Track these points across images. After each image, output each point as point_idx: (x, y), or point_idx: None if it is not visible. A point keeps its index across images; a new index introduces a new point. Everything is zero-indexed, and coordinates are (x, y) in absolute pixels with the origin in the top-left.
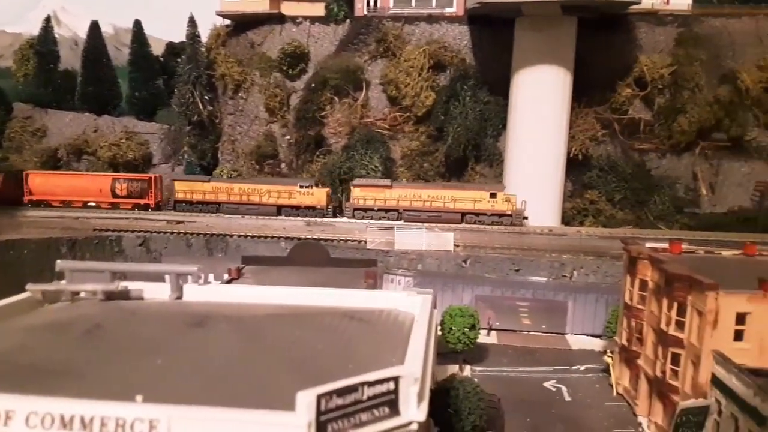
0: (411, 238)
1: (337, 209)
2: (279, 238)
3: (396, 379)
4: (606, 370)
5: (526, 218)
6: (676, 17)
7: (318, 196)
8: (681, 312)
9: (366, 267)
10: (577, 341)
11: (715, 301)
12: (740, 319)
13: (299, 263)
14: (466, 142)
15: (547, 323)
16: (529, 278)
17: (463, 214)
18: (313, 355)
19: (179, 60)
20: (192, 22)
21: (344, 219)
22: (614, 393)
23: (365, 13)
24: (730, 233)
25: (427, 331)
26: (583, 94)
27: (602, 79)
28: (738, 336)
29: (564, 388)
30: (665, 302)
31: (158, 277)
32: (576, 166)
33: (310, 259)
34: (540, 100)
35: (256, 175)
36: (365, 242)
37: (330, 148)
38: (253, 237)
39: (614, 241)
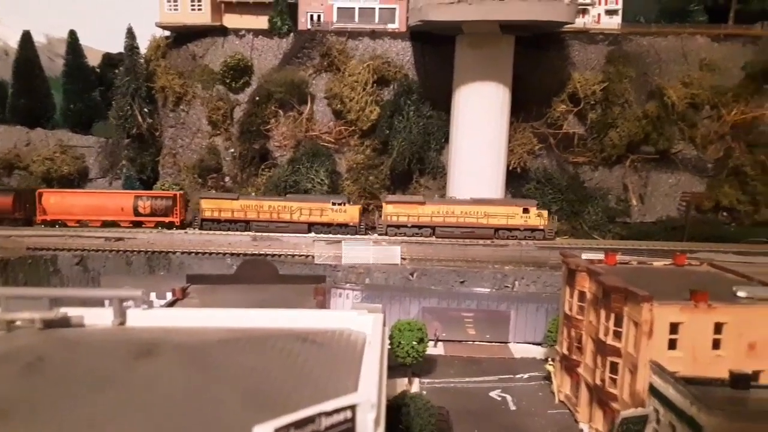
0: (359, 251)
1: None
2: (224, 254)
3: (353, 408)
4: (548, 378)
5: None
6: (607, 36)
7: (351, 213)
8: (618, 322)
9: (315, 283)
10: (520, 349)
11: (650, 312)
12: (673, 328)
13: (247, 281)
14: (410, 155)
15: (491, 333)
16: (474, 289)
17: (496, 229)
18: (268, 384)
19: (117, 71)
20: (130, 33)
21: (290, 234)
22: (556, 401)
23: (309, 27)
24: (658, 242)
25: (380, 352)
26: (521, 110)
27: (538, 96)
28: (672, 345)
29: (509, 397)
30: (603, 313)
31: (98, 302)
32: (515, 178)
33: (259, 276)
34: (480, 115)
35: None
36: (313, 257)
37: (275, 162)
38: (197, 253)
39: (553, 251)
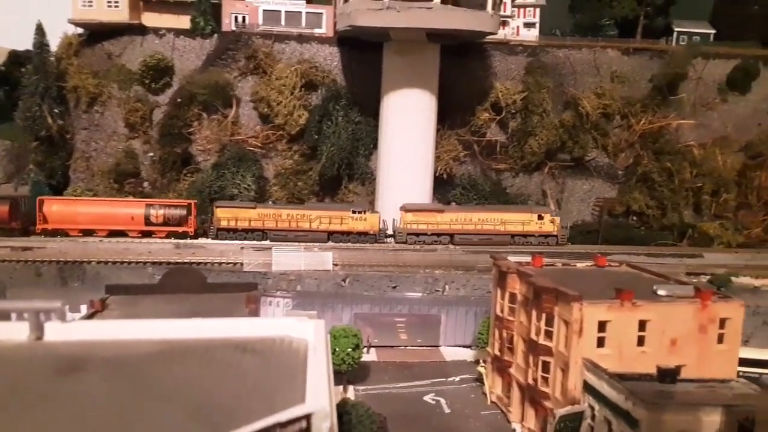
0: (289, 258)
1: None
2: (145, 263)
3: (308, 417)
4: (479, 380)
5: None
6: (526, 47)
7: (371, 221)
8: (549, 322)
9: (246, 291)
10: (451, 353)
11: (580, 311)
12: (601, 327)
13: (173, 290)
14: (339, 161)
15: (422, 337)
16: (406, 294)
17: (513, 235)
18: (211, 398)
19: (24, 70)
20: (40, 30)
21: (214, 240)
22: (488, 402)
23: (233, 28)
24: (575, 245)
25: (325, 358)
26: (447, 117)
27: (463, 104)
28: (600, 343)
29: (443, 401)
30: (534, 313)
31: (5, 315)
32: (441, 184)
33: (185, 285)
34: (408, 122)
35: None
36: (242, 264)
37: (198, 166)
38: (114, 263)
39: (480, 255)
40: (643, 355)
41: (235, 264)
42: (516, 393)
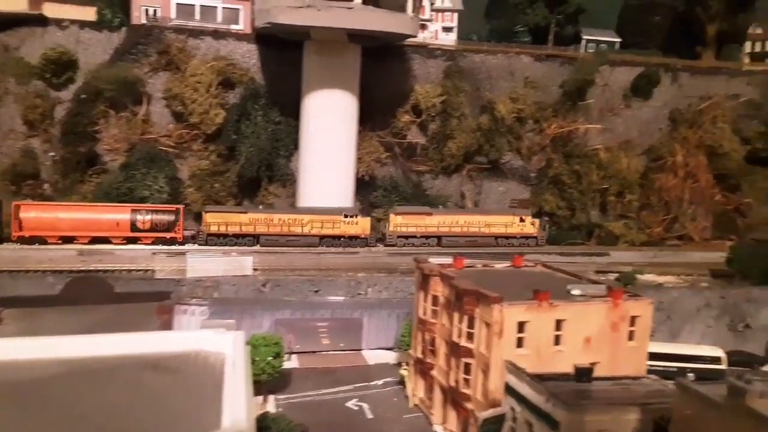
0: (205, 263)
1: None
2: (45, 272)
3: None
4: (402, 383)
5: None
6: (444, 51)
7: (362, 225)
8: (470, 324)
9: (158, 300)
10: (373, 356)
11: (500, 313)
12: (520, 327)
13: (76, 302)
14: (259, 162)
15: (345, 341)
16: (328, 298)
17: (496, 237)
18: (119, 423)
19: None
20: None
21: (127, 246)
22: (411, 404)
23: (144, 21)
24: (493, 247)
25: (244, 374)
26: (368, 119)
27: (384, 106)
28: (519, 343)
29: (365, 406)
30: (456, 315)
31: None
32: (363, 186)
33: (90, 296)
34: (329, 123)
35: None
36: (153, 271)
37: (105, 167)
38: (10, 272)
39: (403, 257)
40: (560, 354)
41: (146, 271)
42: (438, 395)
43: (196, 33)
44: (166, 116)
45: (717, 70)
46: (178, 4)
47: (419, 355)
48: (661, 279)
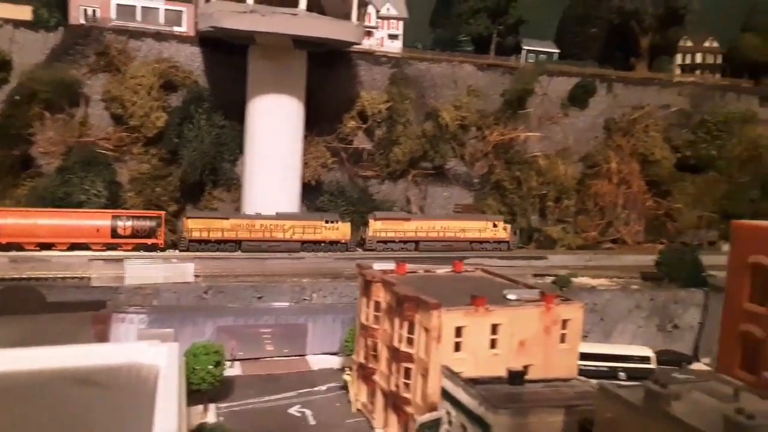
0: (145, 270)
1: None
2: None
3: None
4: (345, 388)
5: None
6: (390, 58)
7: (343, 230)
8: (411, 329)
9: (93, 310)
10: (318, 361)
11: (439, 319)
12: (458, 332)
13: (5, 312)
14: (202, 166)
15: (289, 347)
16: (272, 304)
17: (471, 242)
18: None
19: None
20: None
21: (61, 252)
22: (354, 409)
23: (83, 22)
24: (437, 252)
25: (177, 388)
26: (315, 124)
27: (331, 111)
28: (457, 347)
29: (308, 412)
30: (397, 321)
31: None
32: (310, 191)
33: (20, 306)
34: (275, 128)
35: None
36: (89, 279)
37: (40, 170)
38: None
39: (348, 262)
40: (495, 357)
41: (81, 278)
42: (380, 400)
43: (137, 34)
44: (105, 119)
45: (649, 80)
46: (118, 4)
47: (362, 360)
48: (594, 282)
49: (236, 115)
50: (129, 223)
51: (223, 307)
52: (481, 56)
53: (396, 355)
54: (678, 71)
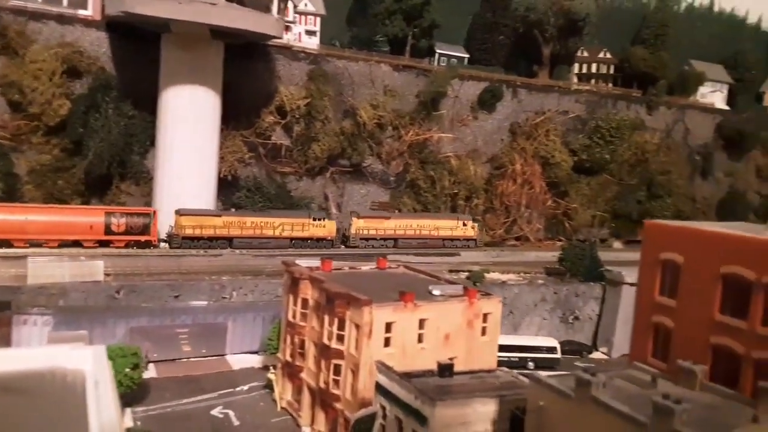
0: (49, 269)
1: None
2: None
3: None
4: (269, 386)
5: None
6: (308, 55)
7: (329, 227)
8: (341, 326)
9: None
10: (238, 360)
11: (370, 315)
12: (388, 327)
13: None
14: (110, 158)
15: (207, 347)
16: (190, 303)
17: (443, 239)
18: None
19: None
20: None
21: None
22: (279, 408)
23: None
24: (356, 249)
25: (111, 392)
26: (232, 118)
27: (248, 105)
28: (387, 343)
29: (231, 413)
30: (326, 318)
31: None
32: (226, 186)
33: None
34: (189, 120)
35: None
36: None
37: None
38: None
39: (269, 260)
40: (422, 351)
41: None
42: (307, 397)
43: (38, 16)
44: (2, 105)
45: (550, 88)
46: None
47: (288, 358)
48: (504, 277)
49: (147, 105)
50: (123, 220)
51: (136, 307)
52: (397, 57)
53: (325, 352)
54: (575, 80)
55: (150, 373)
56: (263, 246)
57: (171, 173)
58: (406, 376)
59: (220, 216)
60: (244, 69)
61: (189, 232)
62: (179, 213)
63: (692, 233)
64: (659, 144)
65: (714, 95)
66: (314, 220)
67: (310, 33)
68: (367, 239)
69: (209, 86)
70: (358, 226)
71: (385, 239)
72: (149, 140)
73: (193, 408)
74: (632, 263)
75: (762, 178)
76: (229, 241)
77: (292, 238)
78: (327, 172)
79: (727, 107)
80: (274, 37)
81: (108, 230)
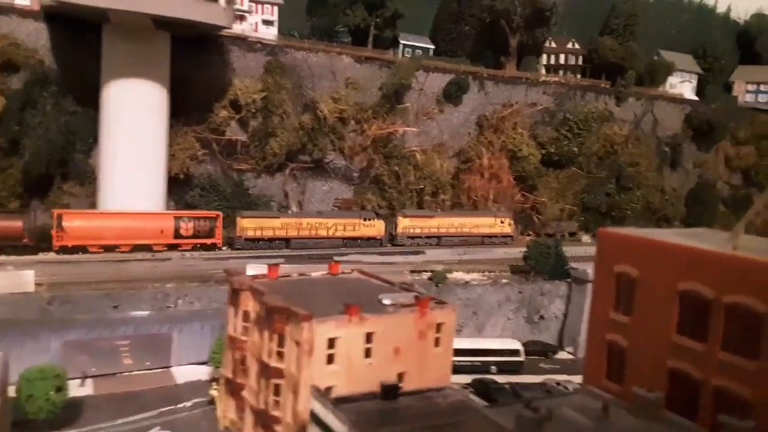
0: None
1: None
2: None
3: None
4: (213, 403)
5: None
6: (265, 46)
7: (378, 227)
8: (281, 342)
9: None
10: (185, 373)
11: (310, 331)
12: (331, 343)
13: None
14: (49, 157)
15: (151, 359)
16: (130, 314)
17: (483, 236)
18: None
19: None
20: None
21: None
22: (221, 427)
23: None
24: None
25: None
26: (182, 113)
27: (200, 99)
28: (330, 360)
29: None
30: (266, 334)
31: None
32: (178, 185)
33: None
34: (135, 115)
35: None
36: None
37: None
38: None
39: (219, 263)
40: (370, 367)
41: None
42: (249, 417)
43: None
44: None
45: (518, 79)
46: None
47: (230, 374)
48: (468, 277)
49: (90, 100)
50: (191, 224)
51: (71, 319)
52: (359, 48)
53: (265, 370)
54: (543, 71)
55: (87, 389)
56: (318, 246)
57: (116, 172)
58: (345, 401)
59: (278, 218)
60: (194, 61)
61: (251, 234)
62: (241, 216)
63: (647, 244)
64: (628, 135)
65: (683, 85)
66: (364, 220)
67: (267, 23)
68: (412, 237)
69: (155, 79)
70: (404, 225)
71: (429, 237)
72: (93, 138)
73: (128, 429)
74: None
75: (731, 168)
76: (286, 242)
77: (344, 238)
78: (287, 168)
79: (696, 97)
80: (223, 28)
81: (177, 234)
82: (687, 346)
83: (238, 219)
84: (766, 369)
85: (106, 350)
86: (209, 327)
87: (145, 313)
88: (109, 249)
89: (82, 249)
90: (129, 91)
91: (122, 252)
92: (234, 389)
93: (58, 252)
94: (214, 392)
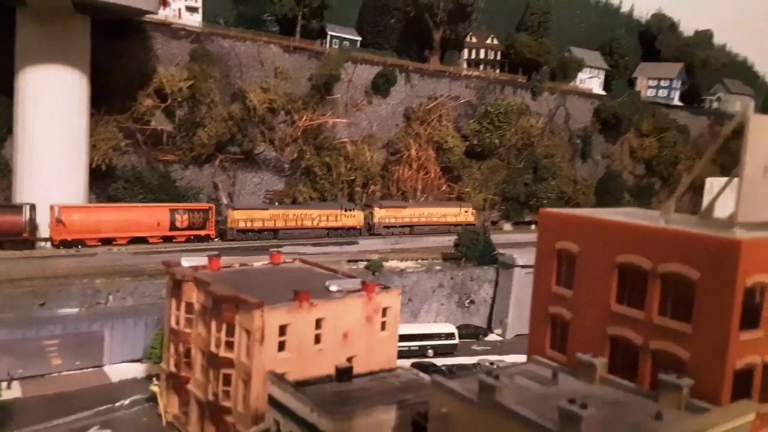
0: None
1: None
2: None
3: None
4: (153, 399)
5: None
6: (190, 33)
7: (358, 217)
8: (230, 332)
9: None
10: (118, 371)
11: (261, 319)
12: (282, 330)
13: None
14: None
15: (82, 359)
16: (58, 311)
17: (449, 225)
18: None
19: None
20: None
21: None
22: (164, 422)
23: None
24: (234, 242)
25: None
26: (103, 102)
27: (123, 88)
28: (281, 347)
29: None
30: (214, 324)
31: None
32: (100, 177)
33: None
34: (52, 104)
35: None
36: None
37: None
38: None
39: (151, 257)
40: (320, 353)
41: None
42: (195, 410)
43: None
44: None
45: (442, 73)
46: None
47: (172, 368)
48: (402, 265)
49: (3, 88)
50: (185, 216)
51: None
52: (287, 38)
53: (213, 361)
54: (465, 65)
55: (14, 392)
56: (304, 236)
57: (33, 164)
58: (301, 385)
59: (267, 210)
60: (116, 47)
61: (242, 225)
62: (232, 208)
63: (587, 222)
64: (543, 128)
65: (592, 81)
66: (345, 210)
67: (191, 9)
68: (388, 227)
69: (74, 66)
70: (381, 215)
71: (402, 226)
72: (6, 128)
73: (65, 430)
74: (522, 245)
75: (635, 159)
76: (274, 233)
77: (327, 228)
78: (216, 159)
79: (603, 92)
80: (148, 12)
81: (173, 226)
82: (626, 314)
83: (230, 211)
84: (700, 330)
85: (32, 350)
86: (143, 323)
87: (74, 310)
88: (106, 242)
89: (81, 243)
90: (46, 78)
91: (118, 245)
92: (177, 383)
93: (57, 246)
94: (154, 388)
